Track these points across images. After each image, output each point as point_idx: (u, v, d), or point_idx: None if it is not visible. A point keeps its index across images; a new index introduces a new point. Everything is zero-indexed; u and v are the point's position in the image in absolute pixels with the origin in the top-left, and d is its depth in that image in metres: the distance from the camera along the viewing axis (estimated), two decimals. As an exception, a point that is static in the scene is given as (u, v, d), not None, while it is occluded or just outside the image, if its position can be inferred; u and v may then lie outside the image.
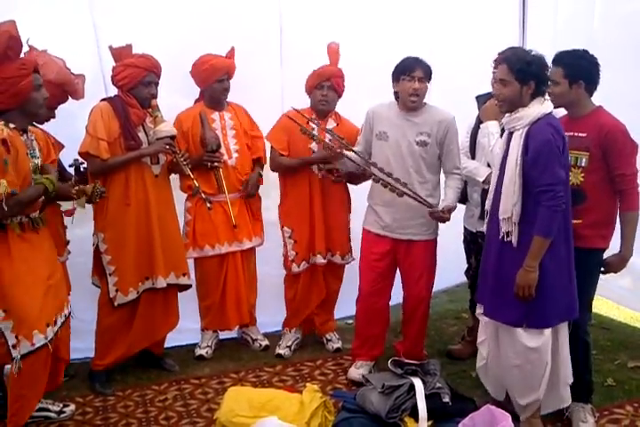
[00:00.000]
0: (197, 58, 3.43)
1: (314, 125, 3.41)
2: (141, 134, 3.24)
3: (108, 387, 3.32)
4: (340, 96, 3.54)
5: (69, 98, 3.20)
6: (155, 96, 3.23)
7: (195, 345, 3.77)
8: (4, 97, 2.59)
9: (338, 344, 3.80)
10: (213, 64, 3.41)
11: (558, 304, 2.68)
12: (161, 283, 3.30)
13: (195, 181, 3.28)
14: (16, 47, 2.62)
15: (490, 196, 2.81)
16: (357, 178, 3.48)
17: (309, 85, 3.50)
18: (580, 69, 2.73)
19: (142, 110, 3.21)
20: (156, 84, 3.23)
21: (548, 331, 2.68)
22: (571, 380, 2.81)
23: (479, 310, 2.93)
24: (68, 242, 3.34)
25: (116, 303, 3.25)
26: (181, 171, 3.34)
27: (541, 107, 2.60)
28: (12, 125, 2.62)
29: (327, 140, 3.33)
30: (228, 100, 3.59)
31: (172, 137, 3.25)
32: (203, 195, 3.32)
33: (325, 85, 3.45)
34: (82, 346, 3.38)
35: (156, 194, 3.27)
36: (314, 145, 3.49)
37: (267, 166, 3.70)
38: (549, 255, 2.63)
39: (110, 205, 3.20)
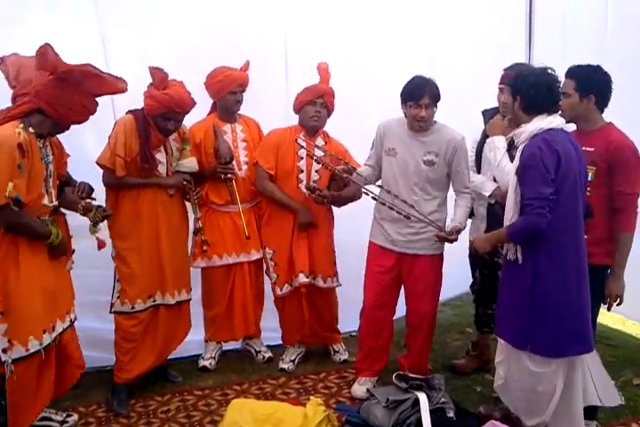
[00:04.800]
0: (212, 70, 3.47)
1: (303, 144, 3.37)
2: (161, 155, 3.24)
3: (125, 406, 3.24)
4: (329, 114, 3.54)
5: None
6: (171, 130, 3.20)
7: (198, 356, 3.75)
8: (71, 111, 2.69)
9: (345, 356, 3.80)
10: (228, 76, 3.44)
11: (565, 334, 2.58)
12: (169, 300, 3.32)
13: (199, 221, 3.35)
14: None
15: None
16: (343, 200, 3.43)
17: (300, 101, 3.48)
18: (592, 84, 2.74)
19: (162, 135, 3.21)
20: (177, 120, 3.19)
21: (556, 360, 2.61)
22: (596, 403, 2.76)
23: None
24: (73, 251, 3.34)
25: (112, 309, 3.25)
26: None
27: (541, 122, 2.58)
28: (31, 130, 2.64)
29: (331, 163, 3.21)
30: (240, 113, 3.62)
31: (191, 173, 3.32)
32: (203, 237, 3.36)
33: (318, 102, 3.46)
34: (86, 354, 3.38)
35: (167, 213, 3.27)
36: (302, 164, 3.49)
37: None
38: (557, 280, 2.57)
39: (120, 216, 3.21)
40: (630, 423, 3.07)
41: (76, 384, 3.38)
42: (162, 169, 3.25)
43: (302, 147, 3.33)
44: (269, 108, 3.76)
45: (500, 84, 3.24)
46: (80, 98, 2.68)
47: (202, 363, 3.69)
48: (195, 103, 3.22)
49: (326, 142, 3.58)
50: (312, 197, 3.33)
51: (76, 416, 3.12)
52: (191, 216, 3.45)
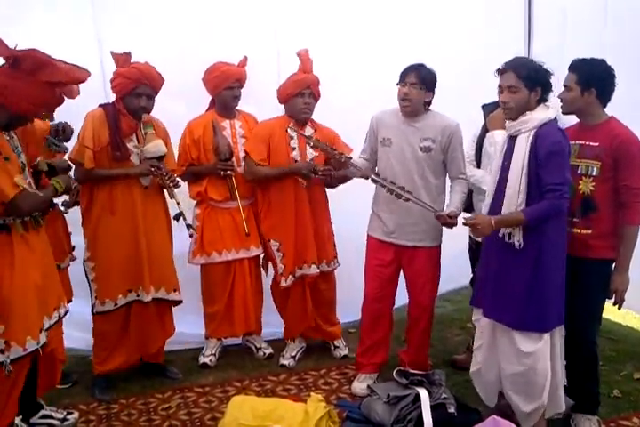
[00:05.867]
0: (210, 65, 3.47)
1: (293, 134, 3.41)
2: (132, 144, 3.21)
3: (107, 393, 3.31)
4: (316, 101, 3.53)
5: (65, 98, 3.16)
6: (146, 108, 3.19)
7: (198, 350, 3.76)
8: (26, 101, 2.53)
9: (345, 351, 3.80)
10: (225, 71, 3.44)
11: (555, 308, 2.69)
12: (143, 297, 3.27)
13: (179, 205, 3.25)
14: None
15: (487, 200, 2.81)
16: (341, 178, 3.46)
17: (287, 93, 3.45)
18: (594, 78, 2.73)
19: (134, 120, 3.20)
20: (149, 95, 3.18)
21: (546, 335, 2.68)
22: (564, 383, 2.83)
23: (476, 315, 2.93)
24: (73, 248, 3.33)
25: (94, 311, 3.25)
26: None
27: (547, 112, 2.65)
28: None
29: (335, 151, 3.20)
30: (238, 108, 3.61)
31: (160, 157, 3.23)
32: (186, 221, 3.28)
33: (306, 93, 3.44)
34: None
35: (144, 206, 3.23)
36: (295, 154, 3.47)
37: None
38: (553, 258, 2.64)
39: (94, 213, 3.20)
40: (631, 418, 3.07)
41: (75, 381, 3.41)
42: (134, 159, 3.22)
43: (296, 131, 3.32)
44: (262, 102, 3.75)
45: None
46: (35, 88, 2.52)
47: (202, 360, 3.69)
48: (163, 80, 3.20)
49: (315, 130, 3.56)
50: (318, 177, 3.35)
51: (76, 414, 3.11)
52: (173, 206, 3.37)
